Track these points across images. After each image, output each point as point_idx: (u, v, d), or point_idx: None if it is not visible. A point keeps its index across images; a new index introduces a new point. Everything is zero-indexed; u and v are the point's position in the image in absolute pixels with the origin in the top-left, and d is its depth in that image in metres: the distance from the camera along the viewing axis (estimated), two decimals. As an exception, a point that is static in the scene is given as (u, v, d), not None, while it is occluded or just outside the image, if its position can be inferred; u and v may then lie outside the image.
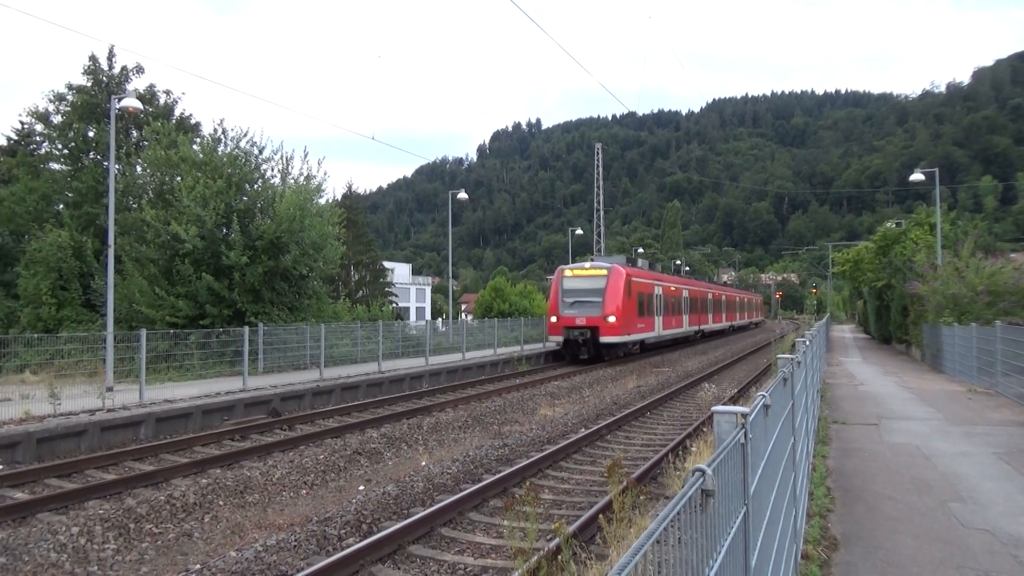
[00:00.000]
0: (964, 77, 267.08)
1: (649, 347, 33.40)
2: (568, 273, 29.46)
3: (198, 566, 6.65)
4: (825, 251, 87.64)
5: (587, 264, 30.70)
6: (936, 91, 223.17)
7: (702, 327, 44.73)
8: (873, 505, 7.10)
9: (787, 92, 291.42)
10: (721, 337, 51.29)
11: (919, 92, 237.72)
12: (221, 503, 8.90)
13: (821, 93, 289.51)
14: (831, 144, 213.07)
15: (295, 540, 7.26)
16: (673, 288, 36.90)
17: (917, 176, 28.83)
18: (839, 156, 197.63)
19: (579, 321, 27.67)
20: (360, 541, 7.12)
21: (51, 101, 29.49)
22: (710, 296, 47.57)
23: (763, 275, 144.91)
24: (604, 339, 27.35)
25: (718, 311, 50.11)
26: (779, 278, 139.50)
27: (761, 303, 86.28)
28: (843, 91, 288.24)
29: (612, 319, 27.24)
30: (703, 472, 2.07)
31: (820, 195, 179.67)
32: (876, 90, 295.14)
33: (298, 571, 6.33)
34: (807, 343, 8.17)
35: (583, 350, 27.82)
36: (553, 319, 28.73)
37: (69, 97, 29.23)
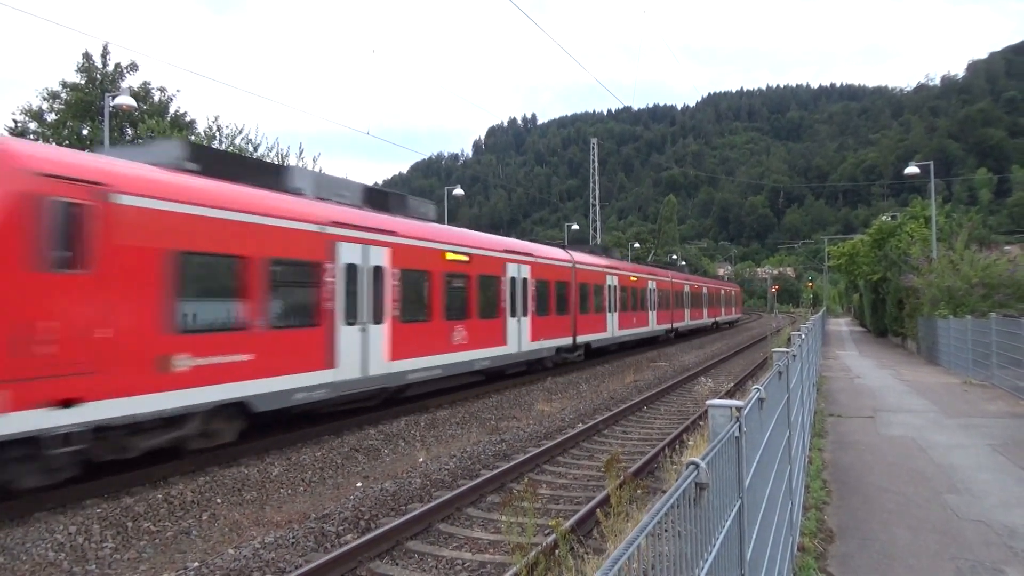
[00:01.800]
0: (959, 70, 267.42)
1: (304, 414, 12.42)
2: None
3: (196, 564, 6.66)
4: (821, 245, 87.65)
5: None
6: (931, 84, 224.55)
7: (587, 337, 24.06)
8: (869, 497, 7.14)
9: (782, 86, 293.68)
10: (653, 348, 32.26)
11: (914, 85, 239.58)
12: (219, 501, 8.90)
13: (816, 87, 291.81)
14: (826, 138, 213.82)
15: (293, 537, 7.27)
16: (477, 256, 17.18)
17: (912, 169, 28.91)
18: (834, 150, 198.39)
19: None
20: (358, 538, 7.14)
21: (45, 99, 29.48)
22: (611, 283, 26.88)
23: (759, 269, 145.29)
24: None
25: (638, 307, 30.50)
26: (775, 272, 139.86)
27: (738, 295, 68.73)
28: (838, 85, 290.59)
29: None
30: (697, 465, 2.09)
31: (816, 189, 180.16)
32: (871, 83, 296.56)
33: (296, 568, 6.34)
34: (803, 337, 8.21)
35: None
36: None
37: (63, 95, 29.19)
